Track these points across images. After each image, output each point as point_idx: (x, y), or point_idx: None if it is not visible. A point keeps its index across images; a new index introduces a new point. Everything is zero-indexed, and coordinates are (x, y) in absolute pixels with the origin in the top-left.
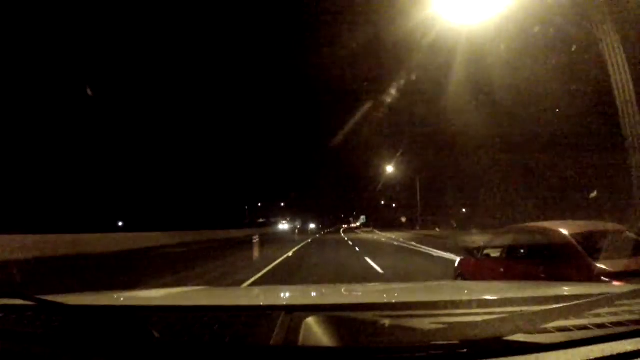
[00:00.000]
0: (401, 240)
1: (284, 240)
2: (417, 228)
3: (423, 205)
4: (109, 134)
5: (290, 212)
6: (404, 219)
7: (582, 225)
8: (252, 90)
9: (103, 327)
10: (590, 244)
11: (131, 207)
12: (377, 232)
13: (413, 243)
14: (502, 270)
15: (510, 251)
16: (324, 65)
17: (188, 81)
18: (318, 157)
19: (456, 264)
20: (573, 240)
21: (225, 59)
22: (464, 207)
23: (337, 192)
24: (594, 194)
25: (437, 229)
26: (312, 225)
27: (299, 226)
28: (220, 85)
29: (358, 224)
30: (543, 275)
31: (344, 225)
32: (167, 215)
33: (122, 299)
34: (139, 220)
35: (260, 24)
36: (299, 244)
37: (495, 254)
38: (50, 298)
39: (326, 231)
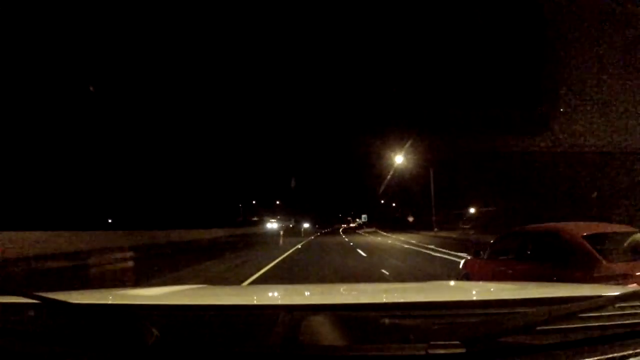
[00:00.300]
0: (434, 247)
1: (260, 246)
2: (435, 230)
3: (424, 205)
4: (96, 128)
5: (285, 211)
6: (411, 219)
7: (593, 227)
8: (247, 82)
9: (105, 325)
10: (602, 246)
11: (122, 203)
12: (385, 233)
13: (465, 255)
14: (509, 271)
15: (518, 252)
16: (321, 57)
17: (178, 74)
18: (314, 154)
19: (461, 265)
20: (585, 242)
21: (217, 52)
22: (474, 207)
23: (334, 191)
24: (594, 195)
25: (472, 232)
26: (306, 225)
27: (291, 225)
28: (212, 78)
29: (356, 223)
30: (554, 278)
31: (342, 225)
32: (158, 213)
33: (123, 296)
34: (130, 217)
35: (255, 18)
36: (280, 255)
37: (502, 254)
38: (51, 296)
39: (323, 232)
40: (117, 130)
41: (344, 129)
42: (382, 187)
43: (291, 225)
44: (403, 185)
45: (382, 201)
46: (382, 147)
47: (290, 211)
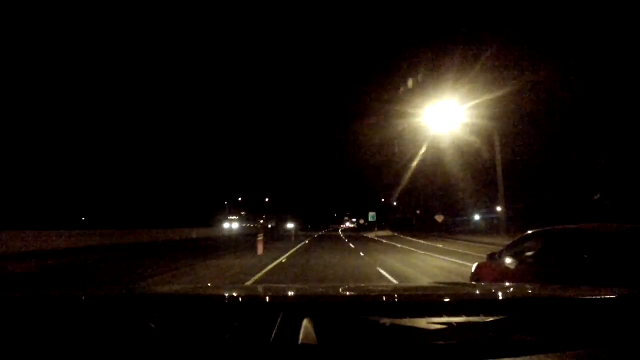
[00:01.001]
0: None
1: None
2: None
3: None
4: (69, 123)
5: (275, 210)
6: (440, 218)
7: (624, 228)
8: (232, 72)
9: (106, 320)
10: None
11: (95, 201)
12: (424, 241)
13: None
14: (528, 278)
15: (540, 255)
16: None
17: (156, 67)
18: (307, 150)
19: (473, 269)
20: (619, 245)
21: (201, 45)
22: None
23: (328, 189)
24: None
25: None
26: (291, 225)
27: (270, 226)
28: (197, 70)
29: (355, 224)
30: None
31: (341, 225)
32: (134, 211)
33: (123, 294)
34: (104, 215)
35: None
36: None
37: (522, 258)
38: (51, 293)
39: (317, 235)
40: (92, 125)
41: (341, 118)
42: (411, 170)
43: (270, 227)
44: (414, 179)
45: (383, 199)
46: (390, 131)
47: (280, 209)
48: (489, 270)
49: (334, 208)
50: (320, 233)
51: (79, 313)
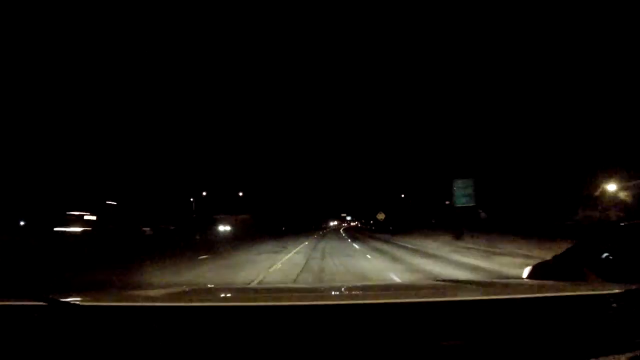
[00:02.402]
0: None
1: None
2: None
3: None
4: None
5: (254, 206)
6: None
7: None
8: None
9: (111, 326)
10: None
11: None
12: None
13: None
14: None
15: (614, 262)
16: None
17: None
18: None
19: (525, 274)
20: None
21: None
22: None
23: (318, 184)
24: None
25: None
26: (225, 228)
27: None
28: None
29: (353, 223)
30: None
31: (342, 224)
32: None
33: (129, 298)
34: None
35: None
36: None
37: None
38: (57, 298)
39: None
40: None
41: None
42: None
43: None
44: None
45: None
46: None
47: (258, 205)
48: (548, 272)
49: (326, 206)
50: (287, 256)
51: (76, 321)
